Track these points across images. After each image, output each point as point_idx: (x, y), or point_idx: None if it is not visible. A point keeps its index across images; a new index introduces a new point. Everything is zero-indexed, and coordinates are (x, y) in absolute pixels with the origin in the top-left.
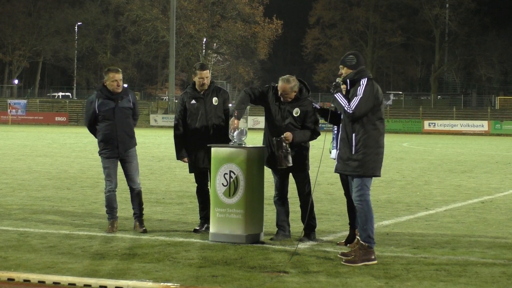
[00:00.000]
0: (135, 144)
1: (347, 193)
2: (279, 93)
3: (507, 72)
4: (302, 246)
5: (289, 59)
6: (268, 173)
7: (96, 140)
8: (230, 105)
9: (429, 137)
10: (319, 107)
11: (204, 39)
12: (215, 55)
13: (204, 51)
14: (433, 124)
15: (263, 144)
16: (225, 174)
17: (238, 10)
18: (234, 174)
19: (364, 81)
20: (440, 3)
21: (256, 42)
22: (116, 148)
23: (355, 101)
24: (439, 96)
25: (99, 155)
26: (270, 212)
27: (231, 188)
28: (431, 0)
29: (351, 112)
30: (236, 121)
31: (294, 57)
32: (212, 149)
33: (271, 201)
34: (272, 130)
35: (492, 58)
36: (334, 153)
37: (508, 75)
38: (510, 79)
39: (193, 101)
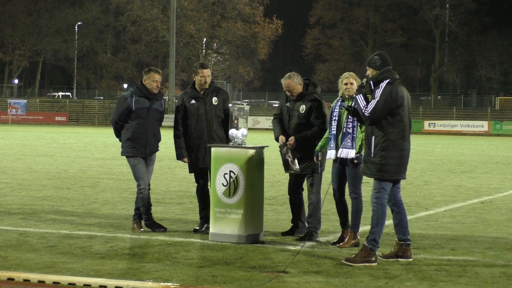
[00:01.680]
0: (158, 149)
1: (337, 194)
2: (287, 93)
3: (507, 73)
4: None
5: (289, 59)
6: (268, 173)
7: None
8: (230, 105)
9: (429, 137)
10: (346, 105)
11: (204, 39)
12: (215, 55)
13: (204, 51)
14: (433, 124)
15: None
16: (225, 174)
17: (238, 10)
18: (234, 174)
19: (383, 84)
20: (440, 3)
21: (256, 42)
22: (144, 148)
23: (371, 105)
24: (439, 96)
25: (123, 155)
26: (270, 212)
27: (231, 188)
28: (431, 1)
29: (367, 115)
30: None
31: (294, 57)
32: (212, 149)
33: (271, 201)
34: (283, 130)
35: (492, 59)
36: (330, 153)
37: (508, 76)
38: (510, 80)
39: (193, 101)
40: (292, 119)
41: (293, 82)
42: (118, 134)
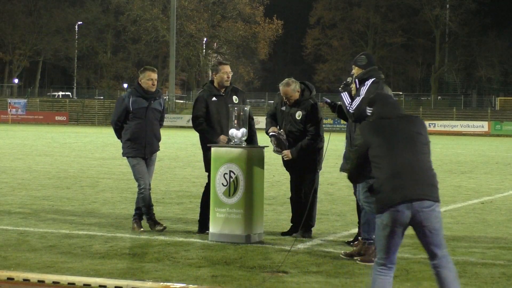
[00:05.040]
0: (159, 148)
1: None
2: (284, 98)
3: (507, 73)
4: (302, 246)
5: (289, 59)
6: (268, 173)
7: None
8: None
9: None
10: (329, 101)
11: (205, 39)
12: (215, 55)
13: (204, 51)
14: (433, 125)
15: None
16: (225, 174)
17: (239, 10)
18: (234, 174)
19: (369, 82)
20: (440, 3)
21: (256, 42)
22: (143, 148)
23: (356, 102)
24: (439, 97)
25: (124, 156)
26: (270, 212)
27: (231, 188)
28: (432, 1)
29: (352, 112)
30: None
31: (294, 57)
32: (212, 149)
33: (271, 201)
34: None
35: (493, 59)
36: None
37: (509, 76)
38: (510, 80)
39: (214, 98)
40: (287, 125)
41: (290, 89)
42: (118, 135)
